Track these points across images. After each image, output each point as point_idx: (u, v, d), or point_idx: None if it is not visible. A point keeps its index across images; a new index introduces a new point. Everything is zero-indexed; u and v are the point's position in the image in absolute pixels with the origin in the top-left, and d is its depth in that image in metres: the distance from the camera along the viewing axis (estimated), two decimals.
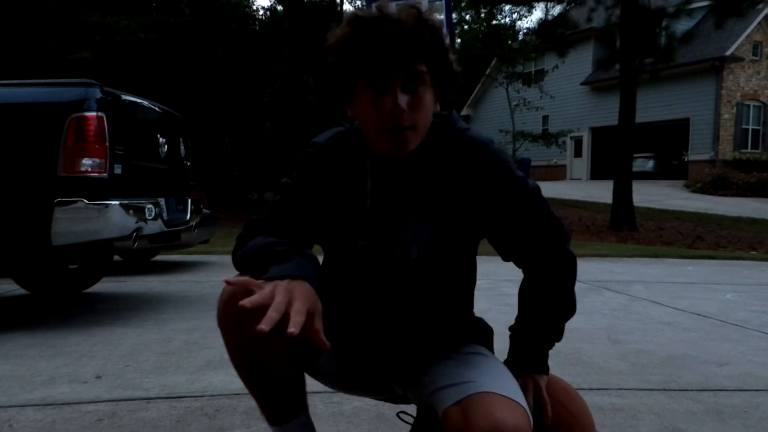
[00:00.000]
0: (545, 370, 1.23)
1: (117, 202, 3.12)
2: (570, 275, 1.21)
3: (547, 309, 1.22)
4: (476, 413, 0.98)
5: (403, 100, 1.05)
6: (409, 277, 1.16)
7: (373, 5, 1.06)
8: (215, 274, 5.46)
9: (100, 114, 3.08)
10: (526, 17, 33.28)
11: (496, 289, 4.54)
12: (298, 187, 1.21)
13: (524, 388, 1.18)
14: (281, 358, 1.19)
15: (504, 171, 1.13)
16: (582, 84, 25.47)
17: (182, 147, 4.31)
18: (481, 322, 1.32)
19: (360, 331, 1.24)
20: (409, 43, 1.03)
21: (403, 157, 1.12)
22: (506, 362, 1.23)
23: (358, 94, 1.09)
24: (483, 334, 1.29)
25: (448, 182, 1.14)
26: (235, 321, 1.11)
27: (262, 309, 0.96)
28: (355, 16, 1.06)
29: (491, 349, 1.28)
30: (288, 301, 0.96)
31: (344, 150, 1.20)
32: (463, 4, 17.96)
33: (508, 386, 1.06)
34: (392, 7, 1.05)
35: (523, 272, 1.25)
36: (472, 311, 1.33)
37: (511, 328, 1.26)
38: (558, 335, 1.24)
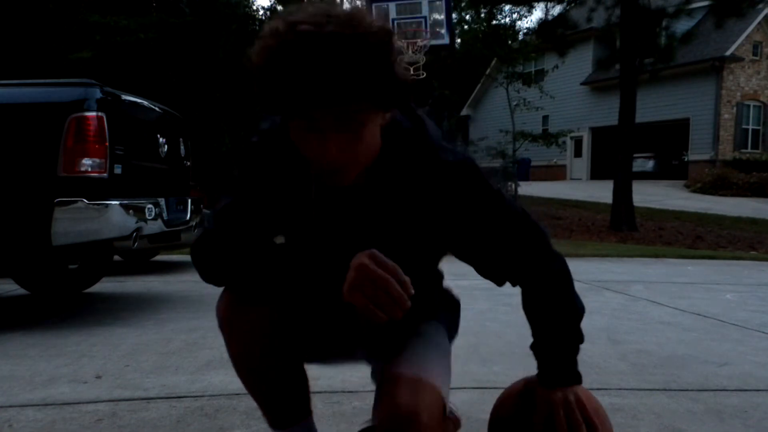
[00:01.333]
0: (576, 378, 1.17)
1: (117, 202, 3.12)
2: (564, 275, 1.17)
3: (556, 316, 1.17)
4: (384, 398, 1.01)
5: (335, 145, 0.91)
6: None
7: (296, 19, 0.87)
8: None
9: (100, 114, 3.08)
10: (526, 17, 33.21)
11: (496, 289, 4.53)
12: (246, 185, 1.12)
13: (554, 404, 1.13)
14: (283, 361, 1.18)
15: (482, 190, 1.08)
16: (582, 84, 25.46)
17: (182, 147, 4.31)
18: (449, 294, 1.36)
19: (326, 294, 1.17)
20: (341, 80, 0.85)
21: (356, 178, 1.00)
22: (538, 377, 1.19)
23: (289, 120, 0.95)
24: (448, 305, 1.34)
25: (414, 199, 1.07)
26: (237, 323, 1.12)
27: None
28: (276, 38, 0.87)
29: (456, 321, 1.35)
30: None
31: (283, 152, 1.06)
32: (463, 4, 17.94)
33: (430, 365, 1.07)
34: (320, 22, 0.85)
35: (521, 287, 1.21)
36: (441, 283, 1.36)
37: (531, 347, 1.21)
38: (578, 338, 1.19)
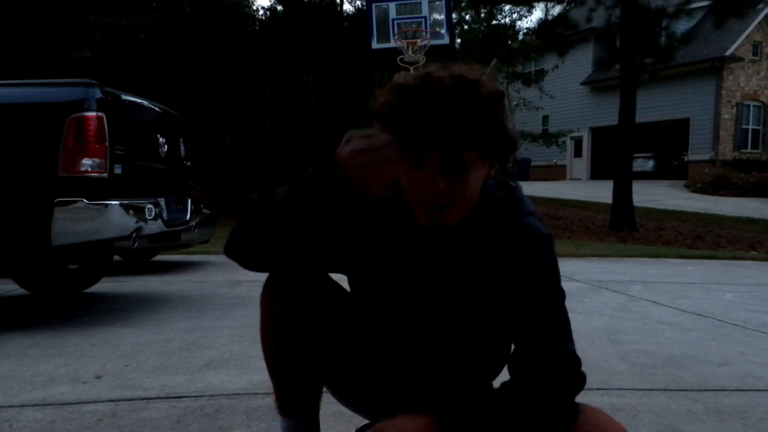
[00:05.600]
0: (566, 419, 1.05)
1: (117, 202, 3.12)
2: (572, 383, 1.07)
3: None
4: None
5: (441, 179, 1.00)
6: (442, 336, 1.16)
7: (421, 72, 1.00)
8: (215, 274, 5.46)
9: (100, 114, 3.08)
10: (526, 17, 33.18)
11: None
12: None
13: None
14: (308, 348, 1.21)
15: (549, 272, 1.09)
16: (582, 84, 25.46)
17: (182, 147, 4.31)
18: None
19: (388, 364, 1.24)
20: (452, 119, 0.97)
21: (455, 229, 1.08)
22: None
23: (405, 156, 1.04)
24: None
25: (495, 264, 1.10)
26: (273, 298, 1.16)
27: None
28: (399, 83, 1.02)
29: None
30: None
31: (391, 211, 1.14)
32: (463, 4, 17.97)
33: None
34: (441, 74, 0.98)
35: (518, 374, 1.10)
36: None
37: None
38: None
